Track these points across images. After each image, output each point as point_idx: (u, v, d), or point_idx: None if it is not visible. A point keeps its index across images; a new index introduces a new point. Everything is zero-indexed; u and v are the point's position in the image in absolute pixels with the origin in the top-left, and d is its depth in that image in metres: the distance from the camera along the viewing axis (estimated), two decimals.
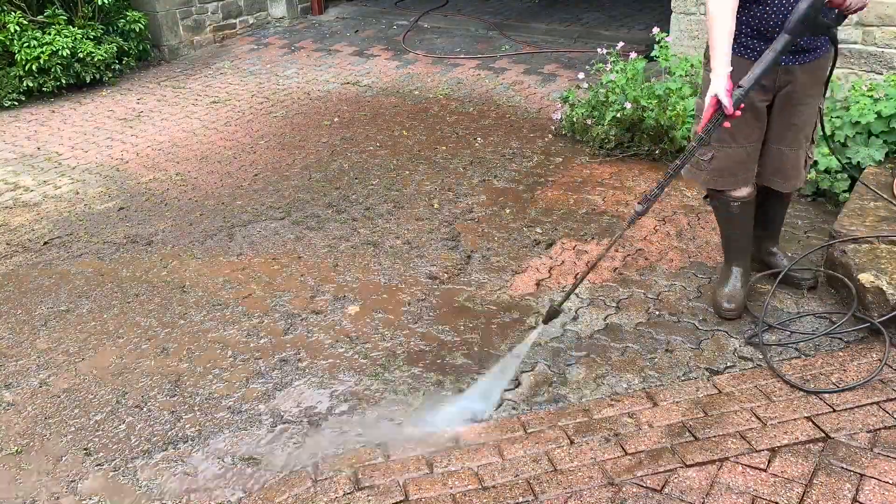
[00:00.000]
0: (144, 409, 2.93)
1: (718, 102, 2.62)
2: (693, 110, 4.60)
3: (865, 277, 3.09)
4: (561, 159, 4.99)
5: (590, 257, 3.81)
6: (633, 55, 4.90)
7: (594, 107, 5.00)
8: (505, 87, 6.45)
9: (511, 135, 5.47)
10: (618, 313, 3.37)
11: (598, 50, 5.16)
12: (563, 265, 3.75)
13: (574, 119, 5.10)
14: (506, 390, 2.90)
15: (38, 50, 6.51)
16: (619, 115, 4.77)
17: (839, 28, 4.42)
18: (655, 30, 4.99)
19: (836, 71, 4.48)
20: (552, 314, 2.90)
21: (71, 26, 6.86)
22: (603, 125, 4.89)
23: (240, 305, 3.57)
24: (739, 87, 2.62)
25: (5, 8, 6.60)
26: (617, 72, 4.85)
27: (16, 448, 2.78)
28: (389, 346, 3.23)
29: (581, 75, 5.21)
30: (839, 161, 3.76)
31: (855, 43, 4.43)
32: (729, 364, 3.00)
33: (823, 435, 2.55)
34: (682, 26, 4.94)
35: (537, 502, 2.38)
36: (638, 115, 4.76)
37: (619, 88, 4.79)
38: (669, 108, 4.58)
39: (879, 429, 2.57)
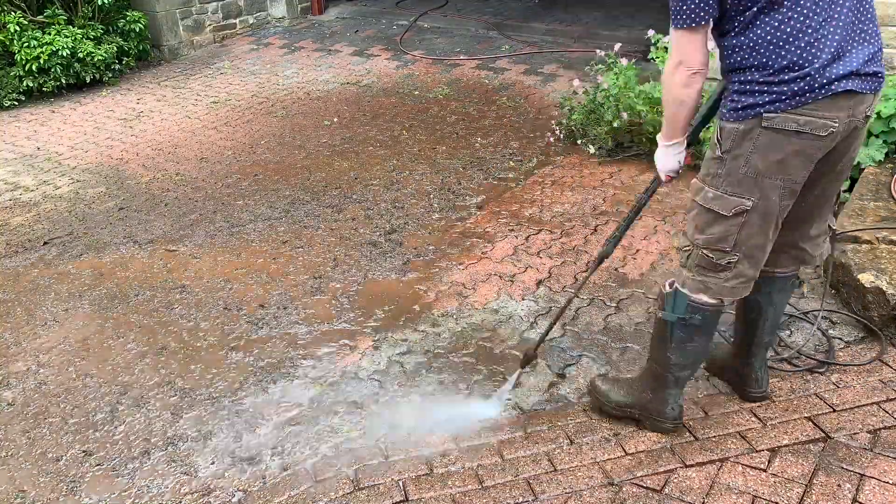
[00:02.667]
0: (144, 409, 2.93)
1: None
2: None
3: (865, 277, 3.09)
4: (561, 160, 4.99)
5: (589, 257, 3.81)
6: (623, 61, 4.90)
7: (591, 111, 5.01)
8: (505, 87, 6.45)
9: (511, 135, 5.47)
10: (618, 313, 3.36)
11: (597, 52, 5.15)
12: (563, 265, 3.75)
13: (572, 126, 5.12)
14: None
15: (38, 50, 6.51)
16: (615, 125, 4.79)
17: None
18: (651, 32, 5.01)
19: None
20: (528, 359, 2.83)
21: (71, 26, 6.86)
22: (601, 129, 4.90)
23: (240, 305, 3.57)
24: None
25: (5, 8, 6.60)
26: (611, 78, 4.85)
27: (15, 448, 2.78)
28: (390, 348, 3.23)
29: (576, 82, 5.20)
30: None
31: None
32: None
33: (823, 435, 2.55)
34: None
35: (537, 502, 2.38)
36: (635, 119, 4.77)
37: (612, 97, 4.80)
38: None
39: (879, 429, 2.57)
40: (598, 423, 2.71)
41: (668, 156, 2.41)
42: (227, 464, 2.64)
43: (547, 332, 2.88)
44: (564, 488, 2.42)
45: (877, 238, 3.34)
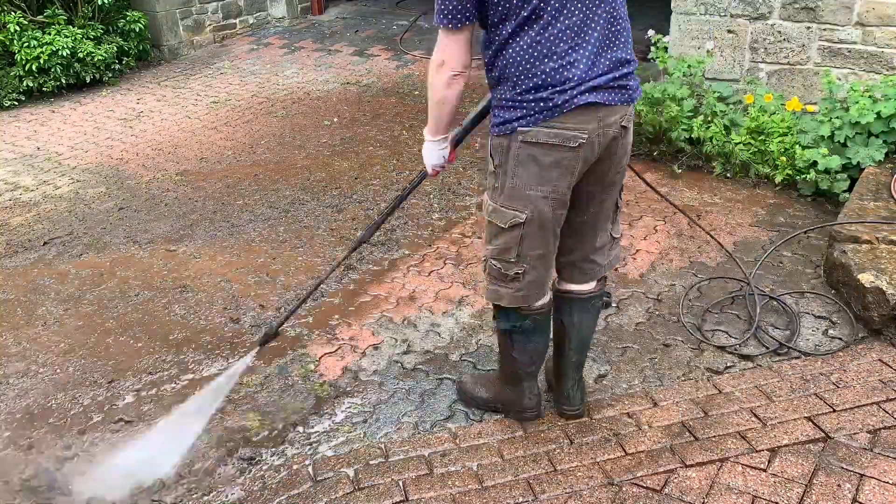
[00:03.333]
0: (144, 410, 2.93)
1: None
2: (690, 111, 4.62)
3: (865, 277, 3.09)
4: None
5: None
6: None
7: None
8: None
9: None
10: (618, 313, 3.37)
11: None
12: None
13: None
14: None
15: (38, 50, 6.51)
16: None
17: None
18: (651, 32, 5.04)
19: (835, 71, 4.53)
20: (267, 338, 2.85)
21: (71, 26, 6.86)
22: None
23: (239, 305, 3.57)
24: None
25: (5, 8, 6.60)
26: None
27: (16, 452, 2.77)
28: (390, 351, 3.24)
29: None
30: None
31: (855, 43, 4.44)
32: (729, 364, 3.00)
33: (823, 435, 2.56)
34: (683, 27, 4.95)
35: (537, 502, 2.38)
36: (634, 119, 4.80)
37: None
38: (665, 110, 4.59)
39: (879, 429, 2.57)
40: (598, 423, 2.71)
41: (433, 151, 2.55)
42: (227, 464, 2.64)
43: (291, 312, 2.93)
44: (564, 488, 2.42)
45: (877, 238, 3.34)
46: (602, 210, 2.44)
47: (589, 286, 2.57)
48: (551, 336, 2.66)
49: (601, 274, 2.57)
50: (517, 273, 2.38)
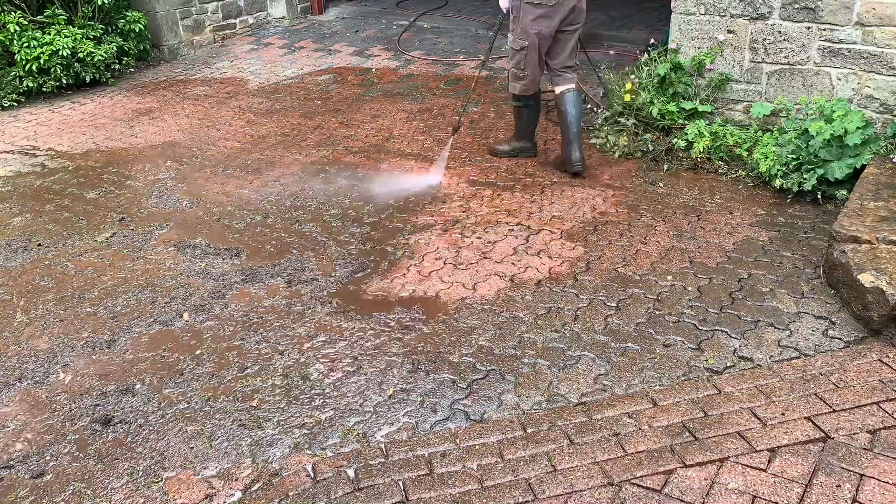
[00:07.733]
0: (142, 412, 2.93)
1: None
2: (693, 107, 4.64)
3: (865, 277, 3.09)
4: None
5: (589, 259, 3.81)
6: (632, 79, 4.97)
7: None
8: (505, 86, 6.44)
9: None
10: (618, 313, 3.37)
11: (611, 52, 5.17)
12: (563, 265, 3.76)
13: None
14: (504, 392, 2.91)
15: (38, 50, 6.51)
16: (624, 100, 5.08)
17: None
18: (652, 40, 5.09)
19: (835, 71, 4.54)
20: (456, 128, 4.99)
21: (71, 26, 6.85)
22: (615, 106, 5.20)
23: (242, 304, 3.58)
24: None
25: (5, 8, 6.60)
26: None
27: (17, 459, 2.78)
28: (390, 351, 3.24)
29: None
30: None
31: (855, 43, 4.44)
32: (729, 364, 3.01)
33: (823, 435, 2.56)
34: (683, 27, 4.95)
35: (537, 502, 2.38)
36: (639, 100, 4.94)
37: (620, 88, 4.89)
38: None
39: (879, 429, 2.58)
40: (598, 423, 2.71)
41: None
42: (228, 464, 2.64)
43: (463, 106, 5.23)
44: (564, 488, 2.42)
45: (877, 238, 3.34)
46: (570, 44, 4.57)
47: (570, 85, 4.63)
48: (558, 122, 4.75)
49: (571, 80, 4.65)
50: (524, 74, 4.59)
